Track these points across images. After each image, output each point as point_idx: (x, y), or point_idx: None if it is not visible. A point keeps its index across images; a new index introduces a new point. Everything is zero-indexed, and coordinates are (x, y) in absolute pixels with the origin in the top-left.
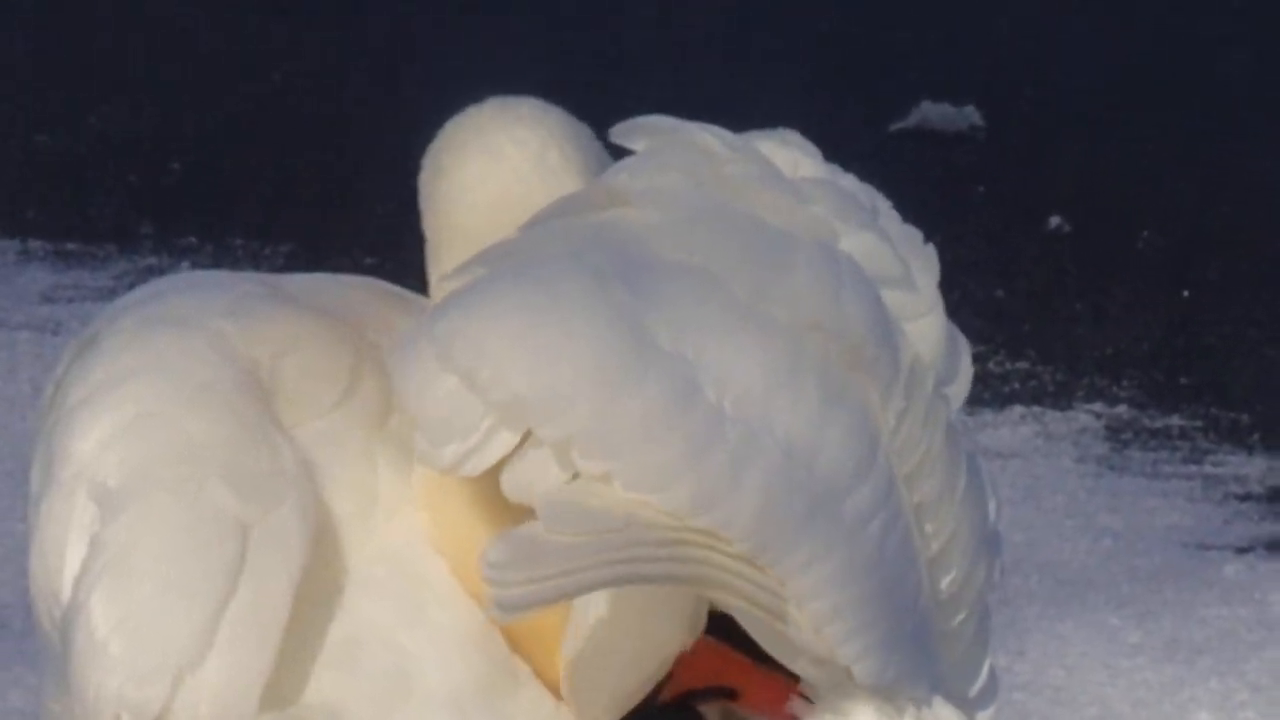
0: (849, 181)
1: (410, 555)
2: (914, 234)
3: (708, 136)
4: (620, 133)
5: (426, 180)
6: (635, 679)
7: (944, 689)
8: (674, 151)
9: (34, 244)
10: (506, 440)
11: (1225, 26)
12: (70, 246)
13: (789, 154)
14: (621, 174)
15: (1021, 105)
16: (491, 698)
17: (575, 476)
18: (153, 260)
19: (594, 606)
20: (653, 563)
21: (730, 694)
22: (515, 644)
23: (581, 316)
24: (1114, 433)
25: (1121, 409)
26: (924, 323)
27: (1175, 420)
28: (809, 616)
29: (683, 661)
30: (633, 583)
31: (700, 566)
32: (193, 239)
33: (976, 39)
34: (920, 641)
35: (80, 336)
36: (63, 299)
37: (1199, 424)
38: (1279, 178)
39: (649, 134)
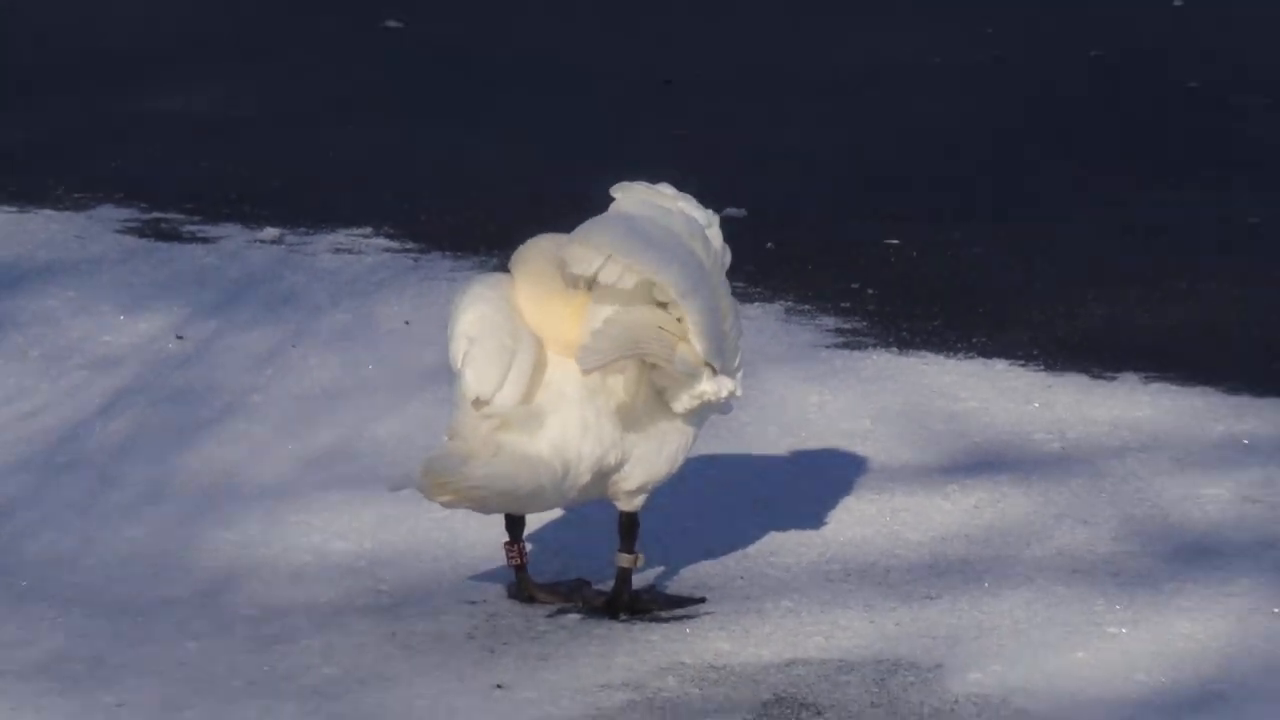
0: (693, 204)
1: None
2: (713, 216)
3: (644, 187)
4: (614, 188)
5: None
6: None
7: (729, 368)
8: (634, 192)
9: (445, 252)
10: (598, 266)
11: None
12: (458, 252)
13: (672, 190)
14: (618, 201)
15: (769, 205)
16: (599, 399)
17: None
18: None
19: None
20: (643, 342)
21: None
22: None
23: (618, 228)
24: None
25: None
26: (712, 232)
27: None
28: (693, 336)
29: None
30: (638, 354)
31: (660, 346)
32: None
33: (744, 161)
34: (725, 350)
35: (464, 284)
36: (459, 271)
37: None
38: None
39: (624, 188)
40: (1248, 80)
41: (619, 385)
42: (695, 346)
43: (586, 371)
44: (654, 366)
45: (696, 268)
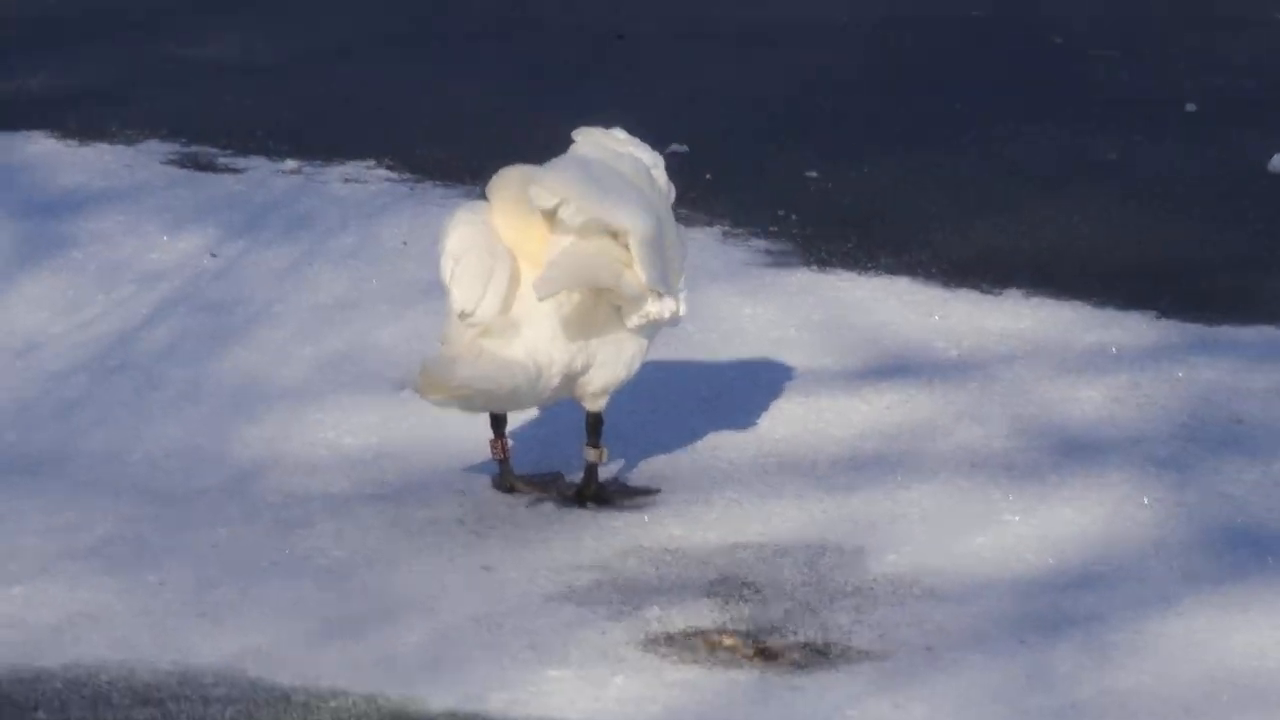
0: (642, 147)
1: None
2: (659, 158)
3: (600, 132)
4: (575, 132)
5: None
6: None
7: (673, 289)
8: (591, 136)
9: (436, 182)
10: (561, 205)
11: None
12: (447, 181)
13: (624, 135)
14: (577, 144)
15: (707, 143)
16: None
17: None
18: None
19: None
20: (593, 272)
21: None
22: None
23: (574, 173)
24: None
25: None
26: (657, 172)
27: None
28: (639, 265)
29: None
30: (589, 283)
31: (608, 274)
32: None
33: (685, 105)
34: (669, 275)
35: (452, 209)
36: (448, 198)
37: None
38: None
39: (583, 132)
40: (1103, 37)
41: (580, 300)
42: (640, 274)
43: (542, 299)
44: (610, 288)
45: (642, 205)
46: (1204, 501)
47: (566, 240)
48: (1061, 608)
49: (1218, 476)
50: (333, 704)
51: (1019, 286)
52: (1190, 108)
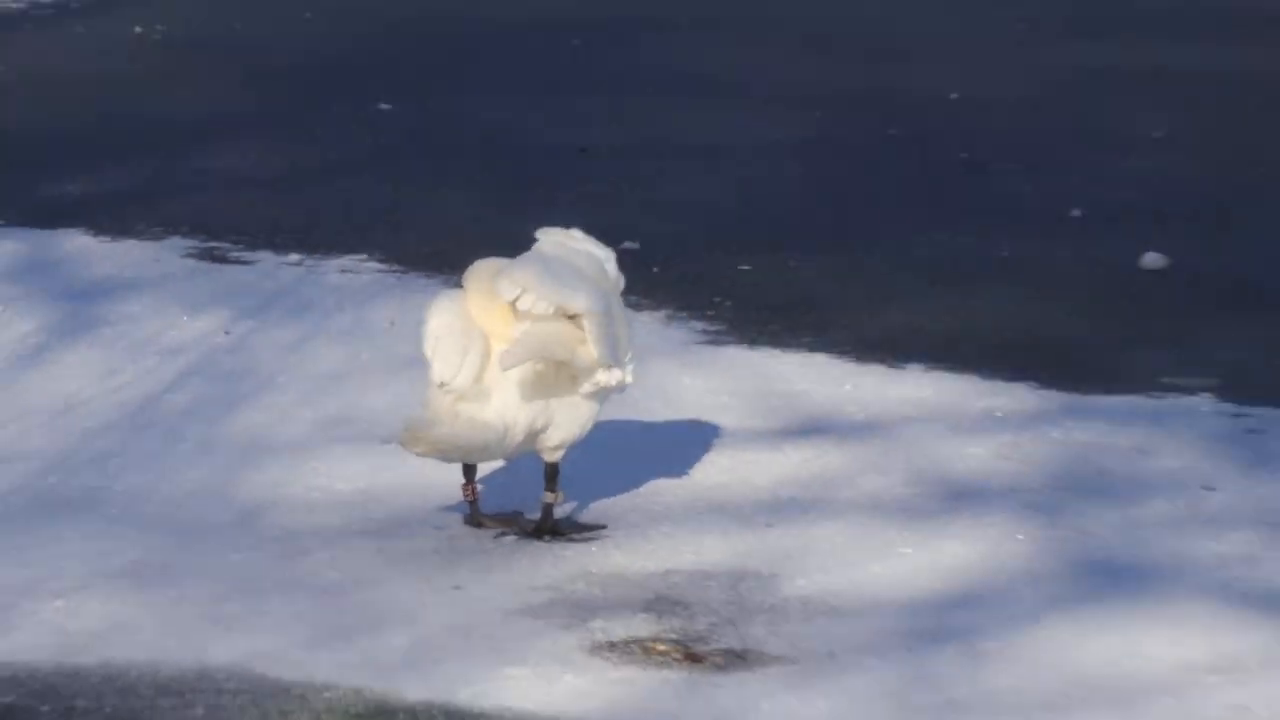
0: (596, 244)
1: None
2: (611, 253)
3: (560, 232)
4: (538, 231)
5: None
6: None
7: (621, 362)
8: (552, 235)
9: (420, 273)
10: (521, 296)
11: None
12: (429, 272)
13: (580, 234)
14: (539, 242)
15: (655, 241)
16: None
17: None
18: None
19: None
20: (549, 348)
21: None
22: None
23: (535, 268)
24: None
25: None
26: (609, 265)
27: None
28: (591, 343)
29: None
30: (546, 357)
31: (563, 350)
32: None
33: (638, 209)
34: (618, 350)
35: (433, 296)
36: (430, 286)
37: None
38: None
39: (545, 232)
40: (1004, 153)
41: (541, 371)
42: (593, 350)
43: (505, 369)
44: (565, 362)
45: (596, 293)
46: (1070, 538)
47: (528, 322)
48: (944, 623)
49: (1083, 518)
50: (326, 695)
51: (920, 363)
52: (1076, 213)
